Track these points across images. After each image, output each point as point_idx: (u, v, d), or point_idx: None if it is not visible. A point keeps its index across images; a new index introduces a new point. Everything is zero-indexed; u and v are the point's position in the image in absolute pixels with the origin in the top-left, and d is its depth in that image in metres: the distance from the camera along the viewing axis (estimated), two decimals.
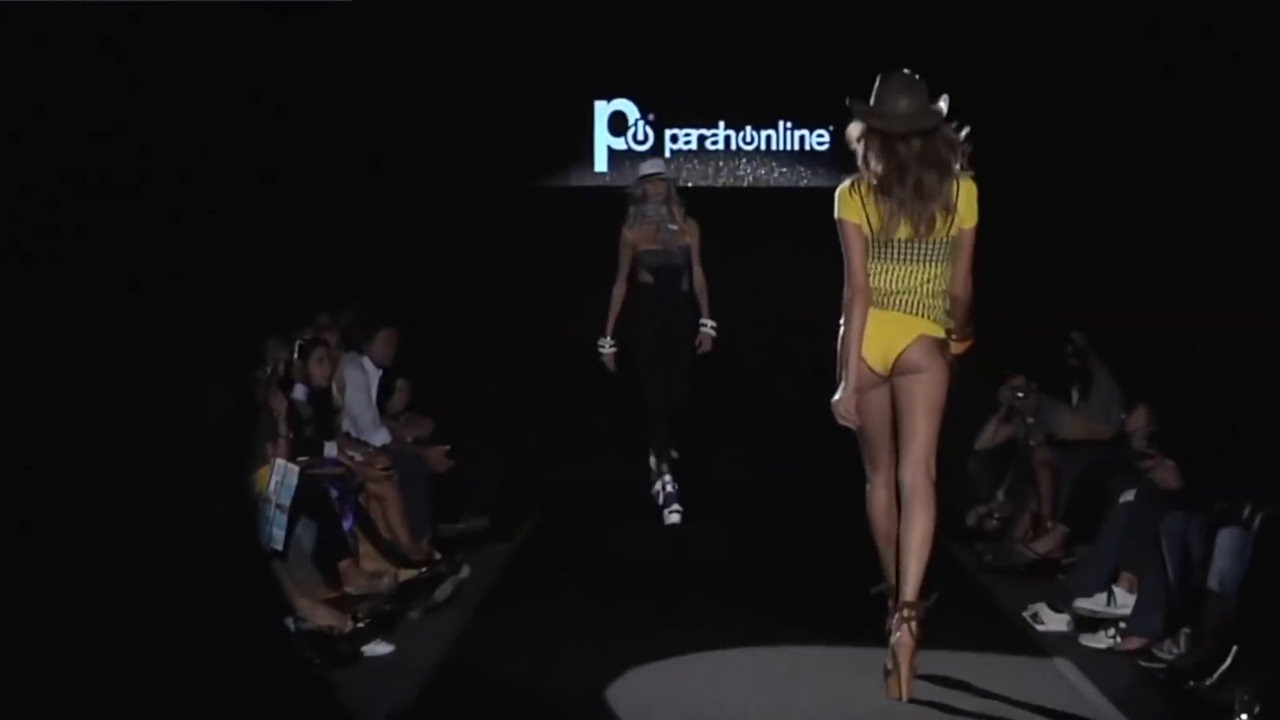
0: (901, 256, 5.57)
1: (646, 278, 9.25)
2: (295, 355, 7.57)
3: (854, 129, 5.59)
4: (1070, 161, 9.94)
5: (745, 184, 10.70)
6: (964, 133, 5.57)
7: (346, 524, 7.27)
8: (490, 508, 9.24)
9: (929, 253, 5.56)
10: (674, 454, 9.26)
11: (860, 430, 5.70)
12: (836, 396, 5.60)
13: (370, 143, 9.93)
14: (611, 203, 9.90)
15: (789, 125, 10.65)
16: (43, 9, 7.67)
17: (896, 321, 5.60)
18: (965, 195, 5.54)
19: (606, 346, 9.35)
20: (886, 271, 5.58)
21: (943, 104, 5.56)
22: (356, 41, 9.53)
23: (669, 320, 9.21)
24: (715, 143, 10.71)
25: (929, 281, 5.60)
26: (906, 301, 5.60)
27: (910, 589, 5.49)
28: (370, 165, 9.89)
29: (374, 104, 9.88)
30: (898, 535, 5.63)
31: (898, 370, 5.62)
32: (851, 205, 5.55)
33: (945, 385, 5.65)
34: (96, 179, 7.57)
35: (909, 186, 5.48)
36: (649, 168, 9.33)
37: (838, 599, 6.89)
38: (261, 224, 8.98)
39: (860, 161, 5.57)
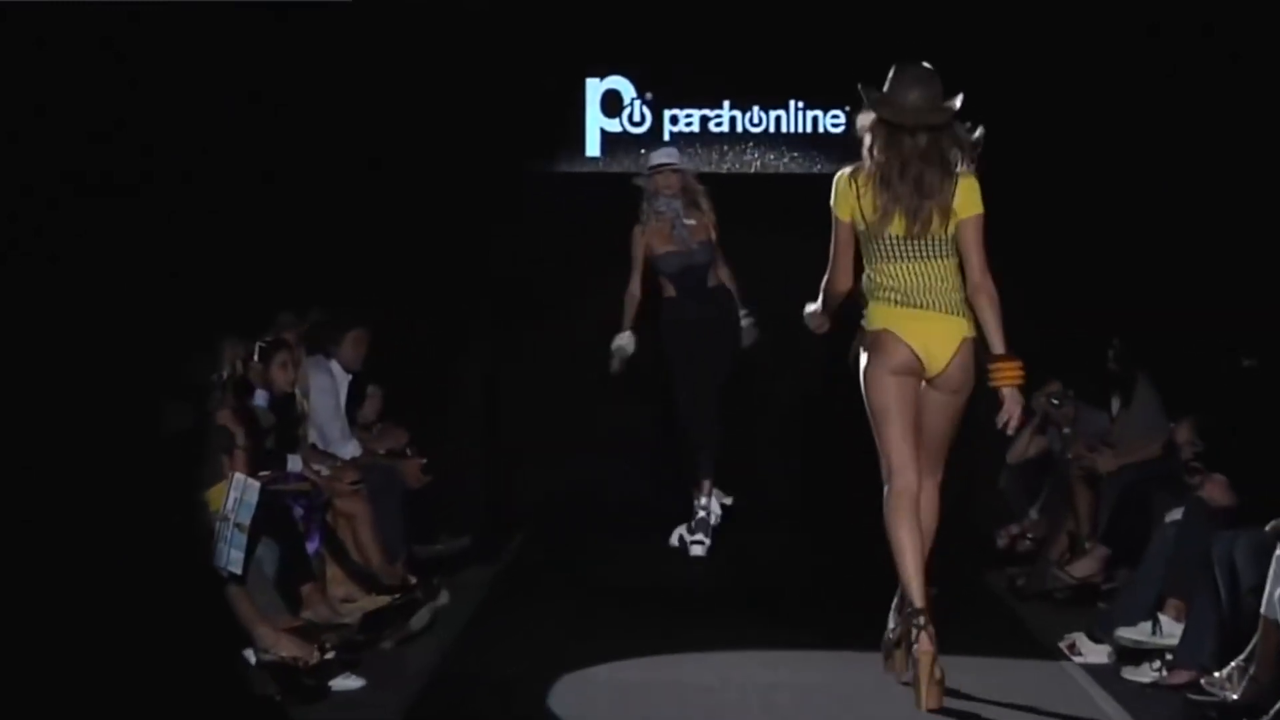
0: (903, 254, 5.88)
1: (669, 289, 9.03)
2: (255, 358, 7.57)
3: (864, 118, 5.89)
4: (1114, 150, 9.99)
5: (753, 170, 10.69)
6: (978, 133, 5.87)
7: (312, 545, 7.28)
8: (471, 527, 9.23)
9: (930, 249, 5.87)
10: (721, 502, 9.02)
11: (882, 414, 5.94)
12: (809, 308, 6.16)
13: (360, 140, 10.05)
14: (604, 191, 9.91)
15: (801, 106, 10.65)
16: (43, 9, 8.19)
17: (937, 321, 5.91)
18: (963, 190, 5.85)
19: (624, 341, 9.02)
20: (900, 271, 5.90)
21: (956, 102, 5.84)
22: (357, 41, 9.86)
23: (701, 335, 8.93)
24: (720, 125, 10.70)
25: (944, 278, 5.91)
26: (936, 301, 5.91)
27: (918, 595, 5.79)
28: (357, 162, 10.01)
29: (368, 102, 10.04)
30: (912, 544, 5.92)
31: (938, 383, 5.95)
32: (846, 197, 5.89)
33: (970, 396, 6.04)
34: (96, 179, 8.08)
35: (909, 180, 5.79)
36: (659, 157, 9.10)
37: (851, 611, 6.96)
38: (223, 219, 9.18)
39: (865, 150, 5.87)
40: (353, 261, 9.79)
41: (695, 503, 8.97)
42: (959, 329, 5.92)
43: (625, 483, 10.54)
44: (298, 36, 9.56)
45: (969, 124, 5.87)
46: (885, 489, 5.96)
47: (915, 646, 5.75)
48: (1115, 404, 8.66)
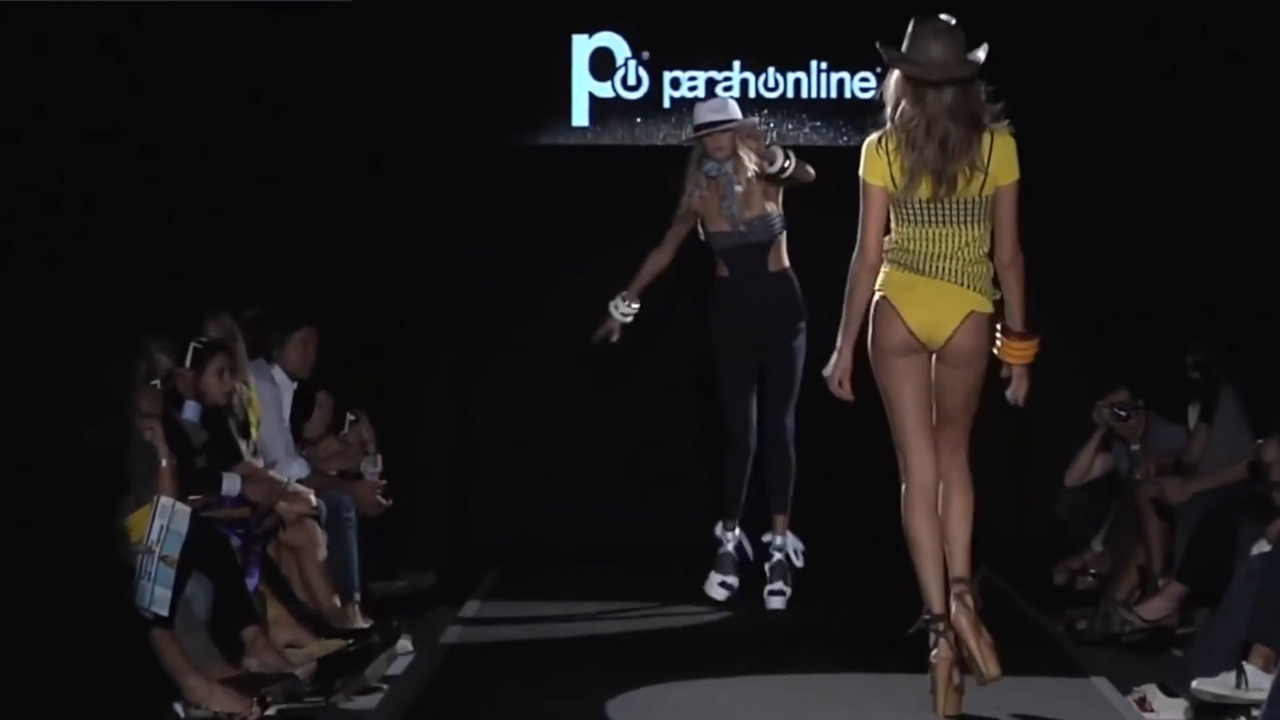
0: (929, 218, 6.27)
1: (722, 268, 8.75)
2: (188, 363, 7.55)
3: (893, 85, 6.29)
4: (1198, 128, 10.07)
5: (767, 142, 10.66)
6: (1000, 105, 6.25)
7: (252, 582, 7.27)
8: (438, 561, 9.26)
9: (958, 214, 6.26)
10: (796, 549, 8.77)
11: (891, 399, 6.37)
12: (828, 370, 6.46)
13: (324, 127, 10.22)
14: (594, 167, 9.91)
15: (824, 67, 10.67)
16: (43, 9, 8.98)
17: (942, 292, 6.28)
18: (1000, 150, 6.24)
19: (623, 306, 8.68)
20: (920, 235, 6.30)
21: (981, 54, 6.22)
22: (357, 41, 10.17)
23: (760, 327, 8.63)
24: (729, 89, 10.70)
25: (967, 246, 6.29)
26: (947, 269, 6.28)
27: (960, 564, 6.29)
28: (313, 147, 10.16)
29: (351, 96, 10.28)
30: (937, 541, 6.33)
31: (945, 356, 6.32)
32: (877, 164, 6.28)
33: (987, 369, 6.40)
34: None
35: (935, 140, 6.18)
36: (708, 112, 8.67)
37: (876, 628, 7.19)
38: (153, 210, 9.40)
39: (890, 112, 6.28)
40: (300, 252, 9.82)
41: (724, 535, 8.75)
42: (966, 301, 6.28)
43: (627, 509, 10.55)
44: (298, 36, 9.99)
45: (988, 87, 6.25)
46: (903, 486, 6.35)
47: (934, 652, 6.22)
48: (1193, 416, 8.67)
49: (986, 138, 6.21)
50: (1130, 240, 10.09)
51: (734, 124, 8.61)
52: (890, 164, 6.24)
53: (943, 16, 6.26)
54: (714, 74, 10.72)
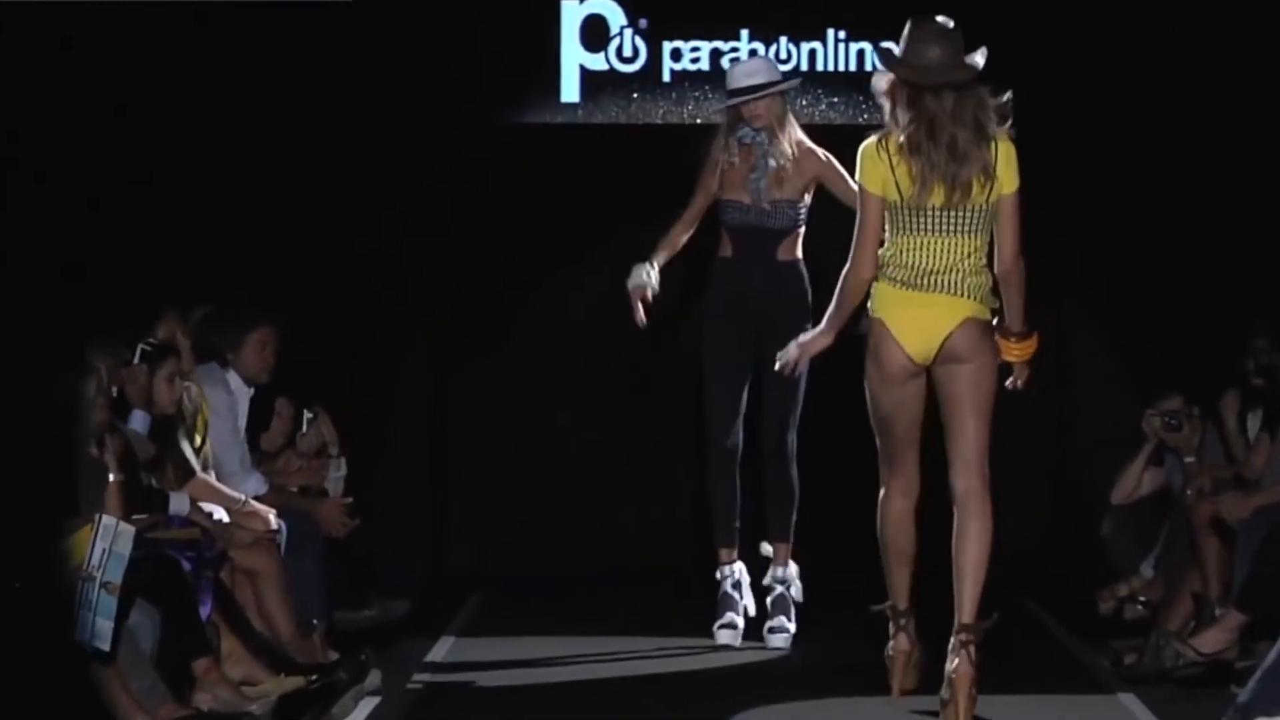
0: (936, 228, 6.63)
1: (726, 247, 8.56)
2: (137, 364, 7.54)
3: (881, 81, 6.66)
4: (1259, 125, 10.12)
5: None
6: (1006, 97, 6.63)
7: (204, 611, 7.25)
8: (410, 588, 9.24)
9: (967, 223, 6.64)
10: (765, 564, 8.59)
11: (885, 428, 6.84)
12: (804, 338, 7.02)
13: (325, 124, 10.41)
14: (586, 148, 9.90)
15: (842, 37, 10.66)
16: (43, 9, 9.60)
17: (939, 305, 6.67)
18: (1004, 157, 6.63)
19: (639, 272, 8.42)
20: (922, 246, 6.66)
21: (979, 58, 6.60)
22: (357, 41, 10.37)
23: (761, 320, 8.46)
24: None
25: (970, 256, 6.67)
26: (948, 281, 6.66)
27: (968, 609, 6.60)
28: (278, 136, 10.33)
29: (355, 97, 10.44)
30: (943, 550, 6.70)
31: (941, 359, 6.70)
32: (877, 169, 6.64)
33: (996, 376, 6.78)
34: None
35: (942, 145, 6.54)
36: (742, 77, 8.49)
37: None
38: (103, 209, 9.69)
39: (888, 117, 6.64)
40: (261, 249, 9.87)
41: (723, 569, 8.59)
42: (961, 309, 6.67)
43: (617, 530, 10.56)
44: (298, 36, 10.23)
45: (996, 88, 6.61)
46: (882, 490, 6.87)
47: (891, 644, 6.91)
48: (1253, 424, 8.67)
49: (992, 144, 6.59)
50: (1184, 230, 10.10)
51: (775, 88, 8.46)
52: (894, 169, 6.60)
53: (940, 18, 6.62)
54: (719, 44, 10.69)
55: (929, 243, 6.65)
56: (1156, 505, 9.07)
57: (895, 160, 6.61)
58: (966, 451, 6.73)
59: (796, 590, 8.60)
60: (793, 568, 8.63)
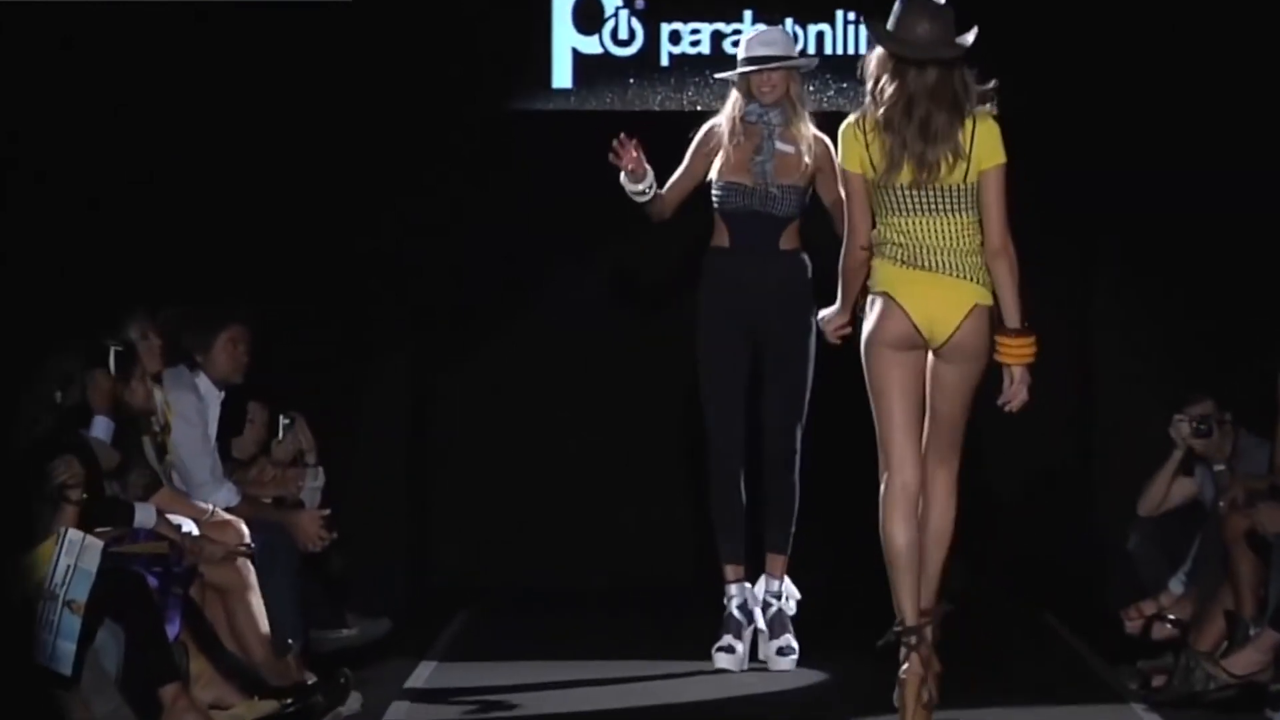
0: (910, 206, 6.85)
1: (721, 235, 8.51)
2: (110, 371, 7.56)
3: (874, 62, 6.88)
4: None
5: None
6: (992, 84, 6.83)
7: (172, 630, 7.26)
8: (392, 605, 9.25)
9: (942, 201, 6.83)
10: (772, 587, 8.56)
11: (880, 395, 6.91)
12: (825, 314, 7.18)
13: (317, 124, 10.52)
14: (580, 137, 9.92)
15: (851, 19, 10.67)
16: (43, 9, 9.87)
17: (944, 285, 6.85)
18: (982, 135, 6.81)
19: (642, 183, 8.42)
20: (907, 225, 6.87)
21: (969, 38, 6.80)
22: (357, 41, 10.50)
23: (760, 313, 8.45)
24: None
25: (960, 235, 6.86)
26: (945, 262, 6.85)
27: (927, 593, 6.85)
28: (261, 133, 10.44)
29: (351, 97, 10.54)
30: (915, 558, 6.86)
31: (946, 353, 6.86)
32: (854, 149, 6.88)
33: (989, 368, 6.90)
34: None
35: (915, 121, 6.76)
36: (758, 46, 8.51)
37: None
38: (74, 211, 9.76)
39: (868, 96, 6.87)
40: (259, 247, 9.98)
41: (729, 589, 8.52)
42: (969, 294, 6.84)
43: (614, 541, 10.58)
44: (298, 36, 10.39)
45: (979, 73, 6.82)
46: (881, 485, 6.88)
47: (904, 668, 6.76)
48: None
49: (969, 123, 6.79)
50: (1213, 226, 10.13)
51: (792, 62, 8.53)
52: (868, 146, 6.83)
53: None
54: (720, 26, 10.70)
55: (914, 222, 6.87)
56: (1186, 517, 9.04)
57: (870, 138, 6.84)
58: (942, 444, 6.95)
59: (791, 606, 8.59)
60: (788, 583, 8.62)
